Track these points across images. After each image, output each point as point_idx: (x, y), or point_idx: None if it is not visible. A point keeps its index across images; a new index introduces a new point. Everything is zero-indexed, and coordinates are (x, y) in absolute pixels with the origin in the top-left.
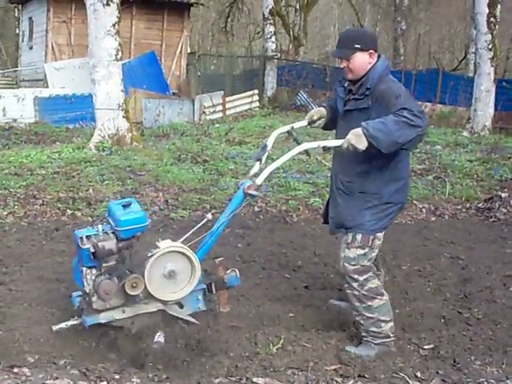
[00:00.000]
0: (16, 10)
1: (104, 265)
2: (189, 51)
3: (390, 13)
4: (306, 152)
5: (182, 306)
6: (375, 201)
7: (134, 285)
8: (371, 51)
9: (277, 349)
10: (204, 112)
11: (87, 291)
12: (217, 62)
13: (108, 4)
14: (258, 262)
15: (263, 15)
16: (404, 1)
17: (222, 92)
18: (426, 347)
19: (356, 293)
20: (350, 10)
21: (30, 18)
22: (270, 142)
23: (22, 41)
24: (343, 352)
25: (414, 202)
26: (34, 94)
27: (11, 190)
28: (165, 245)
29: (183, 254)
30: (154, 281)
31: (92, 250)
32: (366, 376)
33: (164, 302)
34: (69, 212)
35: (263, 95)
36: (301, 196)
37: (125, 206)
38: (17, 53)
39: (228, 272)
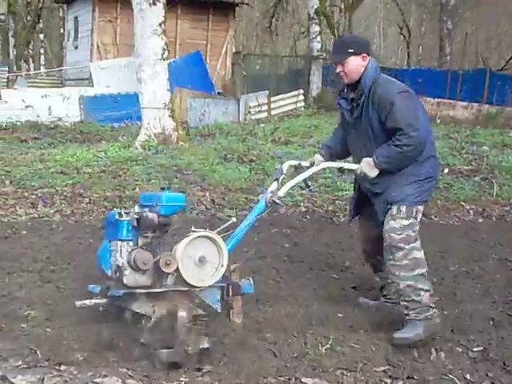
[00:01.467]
0: (61, 9)
1: (144, 235)
2: (234, 51)
3: (436, 12)
4: (305, 181)
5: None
6: (414, 177)
7: (168, 262)
8: (364, 55)
9: (325, 349)
10: (249, 112)
11: (120, 265)
12: (261, 61)
13: (154, 3)
14: (305, 262)
15: (308, 15)
16: (450, 0)
17: (267, 92)
18: (475, 349)
19: (398, 263)
20: (395, 10)
21: (76, 18)
22: (284, 168)
23: (68, 40)
24: (392, 353)
25: (461, 203)
26: (80, 93)
27: (58, 188)
28: (199, 230)
29: (215, 241)
30: (186, 263)
31: (136, 218)
32: (415, 377)
33: (191, 287)
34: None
35: (308, 95)
36: (347, 196)
37: (163, 189)
38: (61, 52)
39: (243, 279)
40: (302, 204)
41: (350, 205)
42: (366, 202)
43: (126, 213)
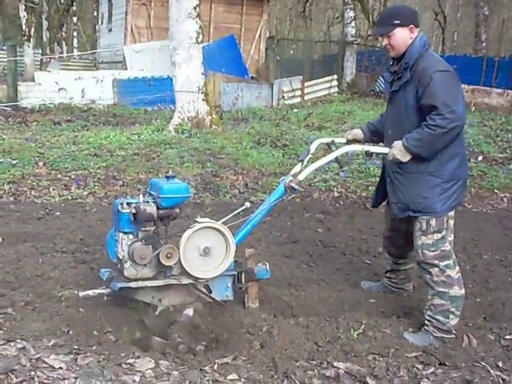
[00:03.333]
0: None
1: (142, 229)
2: (267, 35)
3: None
4: (337, 162)
5: (210, 291)
6: (436, 179)
7: (169, 255)
8: (411, 26)
9: (358, 334)
10: (283, 96)
11: (120, 257)
12: (295, 46)
13: None
14: (338, 247)
15: (343, 0)
16: None
17: (301, 77)
18: (507, 337)
19: (435, 279)
20: None
21: (110, 1)
22: (312, 147)
23: (101, 23)
24: None
25: (495, 191)
26: (113, 76)
27: (91, 170)
28: (204, 221)
29: (221, 232)
30: (189, 255)
31: (133, 212)
32: (447, 364)
33: (195, 279)
34: None
35: (342, 80)
36: None
37: (168, 177)
38: (94, 35)
39: (258, 264)
40: (335, 189)
41: (375, 190)
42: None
43: (128, 203)
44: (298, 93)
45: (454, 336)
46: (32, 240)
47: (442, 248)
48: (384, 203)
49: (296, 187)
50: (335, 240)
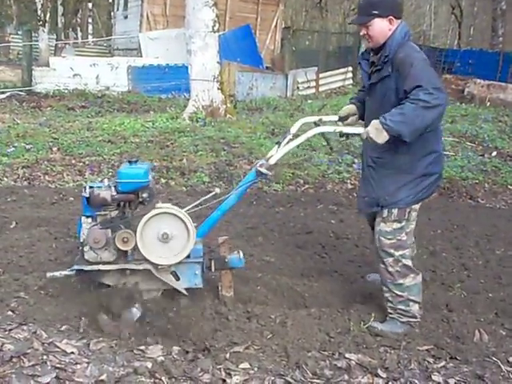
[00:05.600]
0: None
1: (99, 213)
2: (283, 26)
3: None
4: (325, 139)
5: (178, 278)
6: (409, 176)
7: (125, 239)
8: (391, 17)
9: (369, 326)
10: (297, 87)
11: (81, 241)
12: (311, 37)
13: None
14: (351, 238)
15: None
16: None
17: (316, 68)
18: None
19: (390, 269)
20: None
21: None
22: (293, 128)
23: (117, 10)
24: (436, 333)
25: (509, 186)
26: (128, 63)
27: (105, 156)
28: (163, 206)
29: (180, 218)
30: (147, 241)
31: (86, 196)
32: (458, 358)
33: (155, 266)
34: (163, 181)
35: (357, 72)
36: None
37: (131, 162)
38: (109, 22)
39: (231, 252)
40: (348, 181)
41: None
42: None
43: (90, 187)
44: (313, 84)
45: (418, 320)
46: (46, 225)
47: (399, 237)
48: None
49: (265, 172)
50: (348, 232)
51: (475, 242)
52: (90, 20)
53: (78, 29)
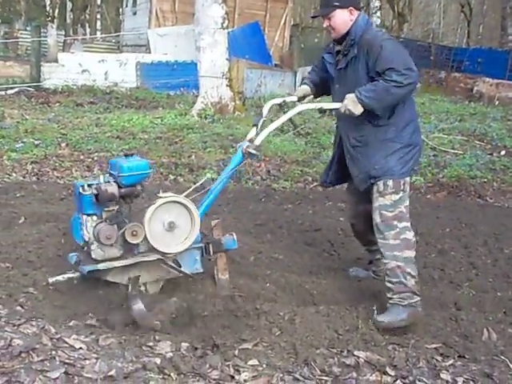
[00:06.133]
0: None
1: (106, 209)
2: (292, 23)
3: None
4: (292, 122)
5: (180, 266)
6: (396, 144)
7: (134, 233)
8: (351, 8)
9: None
10: None
11: (86, 240)
12: (319, 35)
13: None
14: None
15: None
16: None
17: None
18: None
19: (391, 242)
20: None
21: None
22: (265, 110)
23: (126, 6)
24: (444, 331)
25: None
26: (137, 60)
27: (113, 152)
28: (166, 195)
29: (184, 205)
30: (154, 231)
31: (95, 193)
32: (467, 357)
33: (163, 254)
34: (171, 177)
35: None
36: None
37: (127, 156)
38: (118, 18)
39: (225, 235)
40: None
41: (327, 167)
42: (347, 170)
43: (89, 185)
44: None
45: (419, 298)
46: (54, 220)
47: (400, 209)
48: (344, 189)
49: (254, 152)
50: None
51: (483, 240)
52: (98, 16)
53: (87, 25)
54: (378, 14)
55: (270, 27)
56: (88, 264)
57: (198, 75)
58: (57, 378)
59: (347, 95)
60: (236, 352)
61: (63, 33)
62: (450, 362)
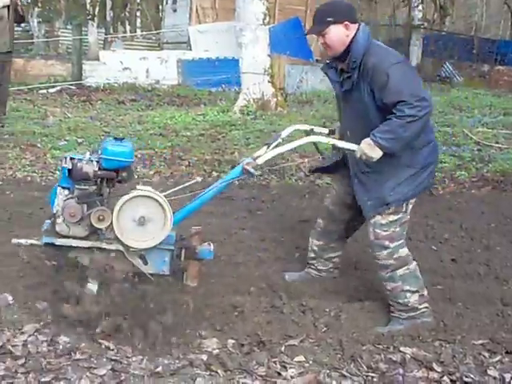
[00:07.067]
0: None
1: (77, 187)
2: None
3: None
4: (316, 146)
5: (146, 263)
6: (411, 170)
7: (101, 217)
8: (346, 23)
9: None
10: None
11: (54, 212)
12: None
13: None
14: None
15: None
16: None
17: None
18: None
19: (383, 262)
20: None
21: None
22: (284, 132)
23: (166, 3)
24: (492, 327)
25: None
26: (178, 57)
27: (156, 150)
28: (143, 189)
29: (159, 203)
30: (122, 222)
31: (69, 167)
32: None
33: (126, 248)
34: (214, 174)
35: None
36: (446, 169)
37: (117, 139)
38: (158, 15)
39: (202, 244)
40: None
41: (325, 160)
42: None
43: (71, 158)
44: None
45: (422, 310)
46: None
47: (393, 229)
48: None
49: (251, 171)
50: None
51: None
52: (138, 14)
53: (127, 22)
54: (420, 7)
55: (310, 22)
56: (49, 236)
57: (240, 72)
58: (103, 374)
59: (363, 140)
60: (282, 348)
61: (103, 31)
62: (498, 358)
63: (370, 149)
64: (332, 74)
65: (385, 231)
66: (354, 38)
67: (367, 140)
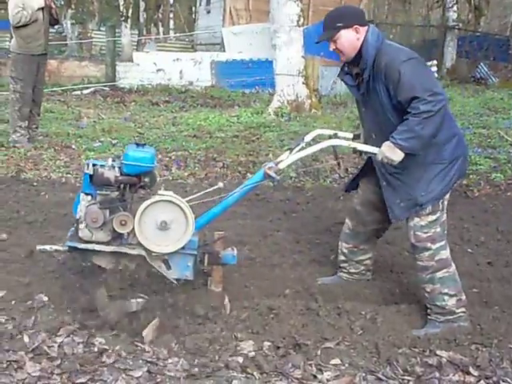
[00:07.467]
0: None
1: (100, 193)
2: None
3: None
4: (335, 155)
5: (169, 267)
6: (439, 166)
7: (123, 222)
8: (356, 26)
9: None
10: None
11: (77, 218)
12: (394, 31)
13: None
14: None
15: None
16: None
17: None
18: None
19: (425, 263)
20: None
21: None
22: (308, 137)
23: (200, 5)
24: None
25: None
26: (211, 58)
27: (191, 151)
28: (165, 194)
29: (181, 208)
30: (144, 226)
31: (91, 173)
32: None
33: (149, 252)
34: (249, 176)
35: (442, 66)
36: (482, 171)
37: (138, 145)
38: (190, 17)
39: (226, 249)
40: None
41: (355, 175)
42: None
43: (94, 164)
44: None
45: (460, 314)
46: None
47: (434, 230)
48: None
49: (273, 175)
50: None
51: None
52: (171, 15)
53: (160, 24)
54: (455, 8)
55: None
56: (73, 241)
57: (274, 73)
58: (140, 376)
59: (384, 143)
60: (318, 351)
61: (137, 32)
62: None
63: (390, 151)
64: (348, 79)
65: (425, 233)
66: (364, 40)
67: (387, 143)
